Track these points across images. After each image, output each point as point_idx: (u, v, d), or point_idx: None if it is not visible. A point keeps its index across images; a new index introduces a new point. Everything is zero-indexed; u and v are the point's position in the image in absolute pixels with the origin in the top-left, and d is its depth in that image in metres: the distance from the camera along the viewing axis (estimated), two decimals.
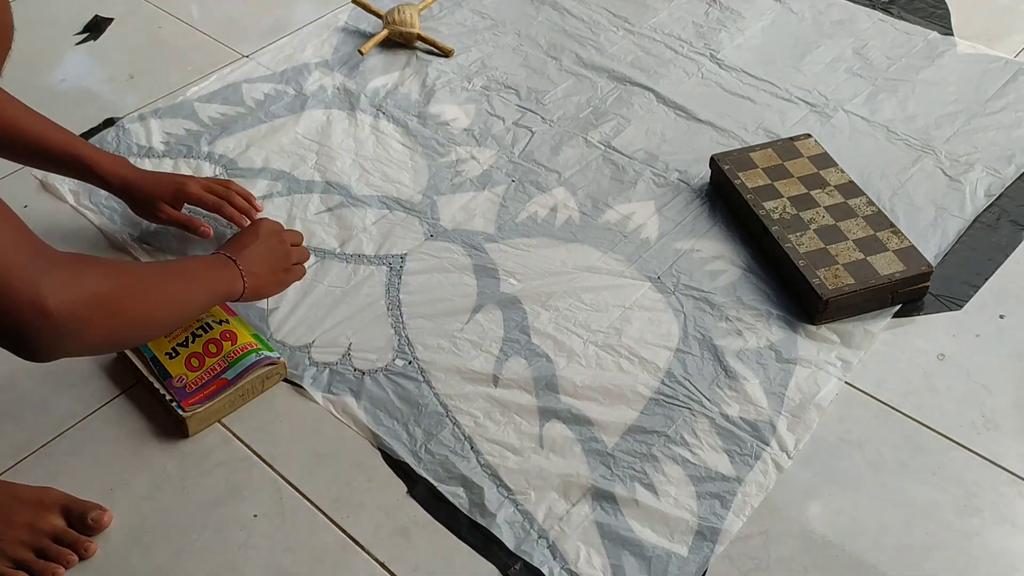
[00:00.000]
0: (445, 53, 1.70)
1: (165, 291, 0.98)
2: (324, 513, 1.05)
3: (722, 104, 1.59)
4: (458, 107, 1.60)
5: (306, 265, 1.29)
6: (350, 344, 1.22)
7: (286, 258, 1.21)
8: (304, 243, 1.34)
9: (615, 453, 1.09)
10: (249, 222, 1.32)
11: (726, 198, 1.40)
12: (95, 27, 1.82)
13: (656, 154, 1.49)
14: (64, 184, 1.44)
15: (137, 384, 1.17)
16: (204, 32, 1.81)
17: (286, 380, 1.18)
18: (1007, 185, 1.42)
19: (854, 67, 1.66)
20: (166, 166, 1.49)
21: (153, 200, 1.29)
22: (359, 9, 1.81)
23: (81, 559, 1.01)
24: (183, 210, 1.33)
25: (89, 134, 1.55)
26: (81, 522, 1.02)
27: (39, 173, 1.46)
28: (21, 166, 1.45)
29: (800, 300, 1.25)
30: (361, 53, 1.70)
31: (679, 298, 1.26)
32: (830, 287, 1.21)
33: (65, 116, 1.57)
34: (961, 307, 1.26)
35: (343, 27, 1.80)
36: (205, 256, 1.15)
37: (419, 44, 1.73)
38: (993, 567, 0.99)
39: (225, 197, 1.33)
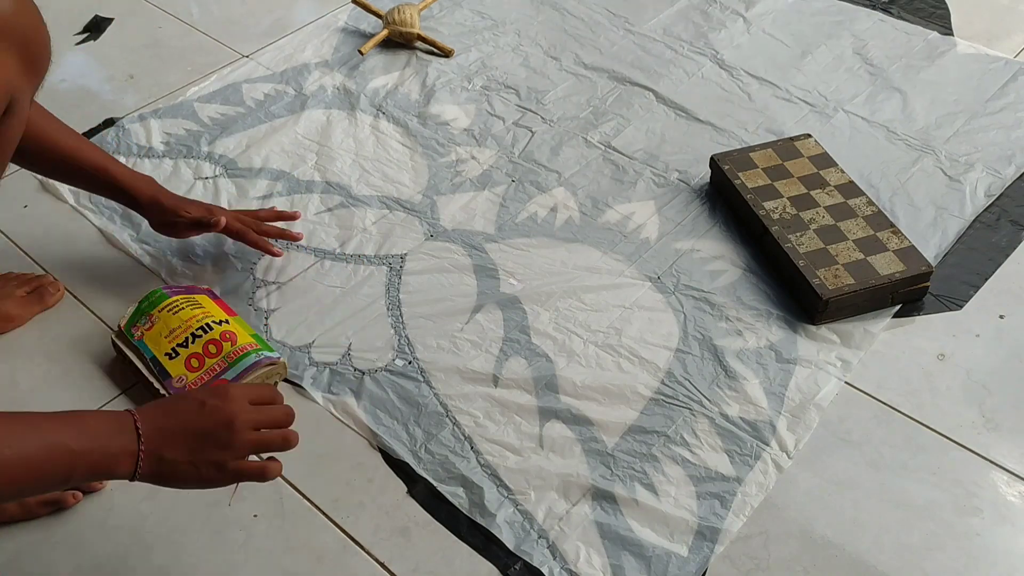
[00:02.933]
0: (445, 53, 1.70)
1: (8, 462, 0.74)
2: (324, 513, 1.05)
3: (722, 104, 1.59)
4: (458, 107, 1.60)
5: (305, 266, 1.29)
6: (350, 344, 1.22)
7: (228, 447, 0.84)
8: (304, 243, 1.34)
9: (615, 453, 1.09)
10: (277, 249, 1.25)
11: (726, 198, 1.40)
12: (95, 27, 1.82)
13: (656, 154, 1.49)
14: (64, 184, 1.44)
15: (137, 384, 1.17)
16: (204, 32, 1.81)
17: (286, 380, 1.18)
18: (1007, 185, 1.42)
19: (854, 67, 1.66)
20: (166, 166, 1.49)
21: (177, 209, 1.24)
22: (359, 9, 1.81)
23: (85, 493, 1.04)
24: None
25: (89, 134, 1.55)
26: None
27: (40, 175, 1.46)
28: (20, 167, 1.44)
29: (800, 300, 1.25)
30: (361, 53, 1.70)
31: (679, 298, 1.26)
32: (830, 287, 1.21)
33: (65, 116, 1.56)
34: (961, 307, 1.26)
35: (343, 27, 1.80)
36: (99, 414, 0.86)
37: (419, 44, 1.73)
38: (993, 567, 0.99)
39: (253, 226, 1.28)
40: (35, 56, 0.86)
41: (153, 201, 1.24)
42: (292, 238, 1.33)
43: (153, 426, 0.81)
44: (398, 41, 1.73)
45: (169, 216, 1.25)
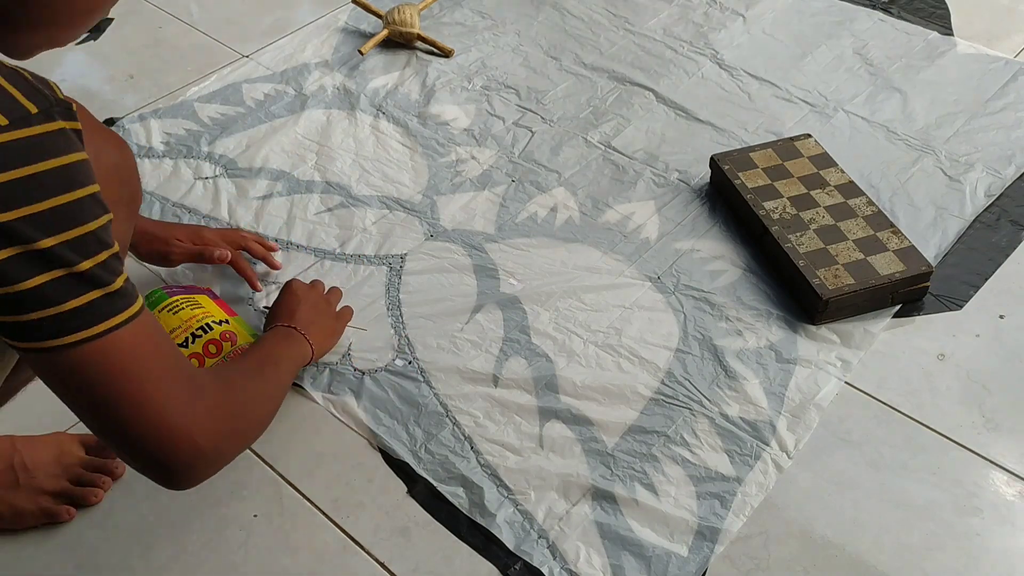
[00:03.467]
0: (445, 53, 1.70)
1: (267, 386, 0.98)
2: (324, 513, 1.05)
3: (722, 104, 1.59)
4: (458, 107, 1.60)
5: (306, 266, 1.29)
6: (350, 344, 1.22)
7: (330, 307, 1.21)
8: (304, 243, 1.34)
9: (615, 453, 1.09)
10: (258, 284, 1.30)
11: (726, 198, 1.40)
12: (95, 27, 1.82)
13: (656, 154, 1.49)
14: None
15: None
16: (204, 32, 1.81)
17: None
18: (1007, 185, 1.42)
19: (854, 67, 1.66)
20: (166, 166, 1.49)
21: (168, 240, 1.25)
22: (359, 9, 1.81)
23: (114, 479, 1.07)
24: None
25: None
26: (100, 450, 1.08)
27: None
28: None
29: (800, 300, 1.25)
30: (361, 53, 1.70)
31: (679, 298, 1.26)
32: (830, 287, 1.21)
33: None
34: (961, 307, 1.26)
35: (343, 27, 1.80)
36: (272, 335, 1.11)
37: (419, 44, 1.73)
38: (993, 567, 0.99)
39: (242, 245, 1.30)
40: (135, 198, 0.95)
41: (142, 232, 1.23)
42: (272, 265, 1.32)
43: (304, 326, 1.13)
44: (398, 41, 1.73)
45: (159, 245, 1.25)
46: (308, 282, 1.21)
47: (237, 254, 1.28)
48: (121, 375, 0.73)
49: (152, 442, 0.75)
